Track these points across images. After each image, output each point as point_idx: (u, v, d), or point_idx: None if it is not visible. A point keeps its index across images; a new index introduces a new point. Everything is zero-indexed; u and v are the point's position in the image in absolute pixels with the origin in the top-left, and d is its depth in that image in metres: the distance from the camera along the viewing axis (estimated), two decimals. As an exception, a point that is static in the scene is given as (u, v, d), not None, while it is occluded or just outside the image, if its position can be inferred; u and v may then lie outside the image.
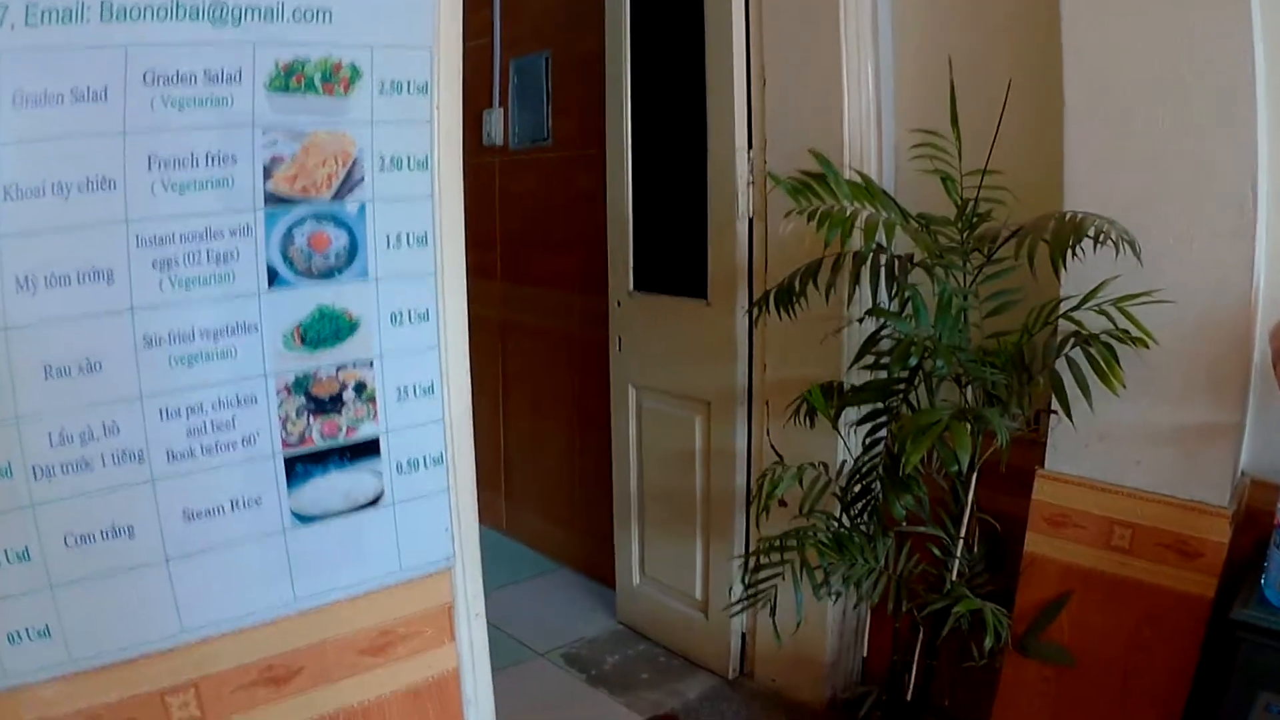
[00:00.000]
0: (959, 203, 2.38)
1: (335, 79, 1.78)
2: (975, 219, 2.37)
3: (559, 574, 4.39)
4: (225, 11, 1.66)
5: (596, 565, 4.15)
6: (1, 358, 1.56)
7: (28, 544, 1.61)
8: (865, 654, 3.17)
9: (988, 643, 2.32)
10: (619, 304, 3.63)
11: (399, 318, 1.93)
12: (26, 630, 1.63)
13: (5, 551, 1.59)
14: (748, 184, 3.09)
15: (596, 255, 3.78)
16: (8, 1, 1.48)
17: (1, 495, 1.59)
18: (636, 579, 3.76)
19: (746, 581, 2.65)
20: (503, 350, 4.62)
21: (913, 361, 2.31)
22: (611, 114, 3.56)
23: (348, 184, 1.82)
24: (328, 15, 1.76)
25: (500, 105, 4.39)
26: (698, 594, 3.49)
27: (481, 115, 4.44)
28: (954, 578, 2.50)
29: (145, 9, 1.60)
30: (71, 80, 1.56)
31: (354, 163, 1.82)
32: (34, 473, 1.60)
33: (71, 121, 1.57)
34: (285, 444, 1.84)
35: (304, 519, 1.88)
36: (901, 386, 2.45)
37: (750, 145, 3.08)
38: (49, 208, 1.56)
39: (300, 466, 1.86)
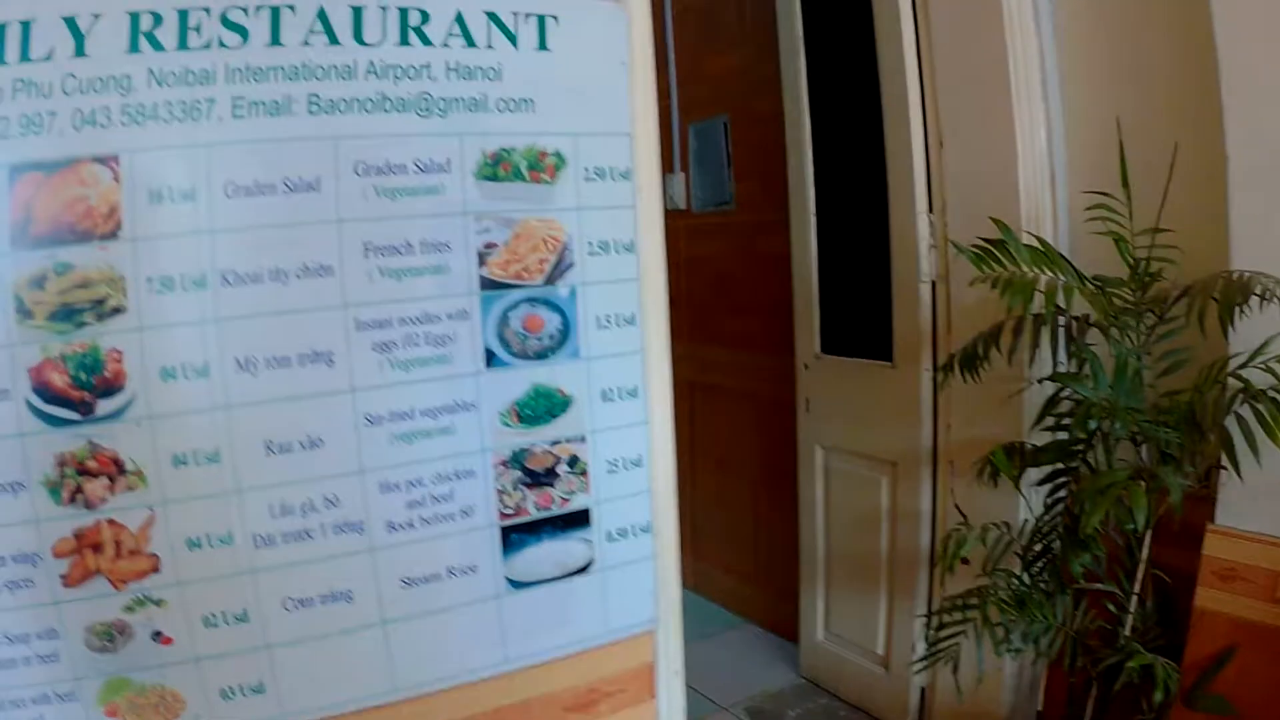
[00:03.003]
0: (1131, 263, 2.42)
1: (541, 166, 1.85)
2: (1148, 279, 2.41)
3: (744, 629, 4.45)
4: (431, 103, 1.74)
5: (780, 620, 4.21)
6: (223, 434, 1.63)
7: (246, 607, 1.69)
8: (1040, 708, 3.16)
9: (1157, 697, 2.33)
10: (806, 366, 3.70)
11: (609, 394, 1.98)
12: (240, 686, 1.71)
13: (224, 613, 1.67)
14: (930, 247, 3.14)
15: (781, 317, 3.84)
16: (214, 95, 1.57)
17: (222, 561, 1.66)
18: (820, 634, 3.81)
19: (930, 639, 2.70)
20: (690, 410, 4.63)
21: (1092, 425, 2.36)
22: (794, 178, 3.65)
23: (559, 268, 1.88)
24: (530, 105, 1.84)
25: (681, 169, 4.44)
26: (880, 649, 3.52)
27: (663, 179, 4.54)
28: (1127, 633, 2.51)
29: (352, 101, 1.68)
30: (283, 171, 1.63)
31: (564, 248, 1.88)
32: (255, 541, 1.68)
33: (285, 210, 1.64)
34: (502, 515, 1.90)
35: (517, 585, 1.94)
36: (1081, 447, 2.48)
37: (930, 209, 3.13)
38: (267, 293, 1.64)
39: (515, 535, 1.92)
